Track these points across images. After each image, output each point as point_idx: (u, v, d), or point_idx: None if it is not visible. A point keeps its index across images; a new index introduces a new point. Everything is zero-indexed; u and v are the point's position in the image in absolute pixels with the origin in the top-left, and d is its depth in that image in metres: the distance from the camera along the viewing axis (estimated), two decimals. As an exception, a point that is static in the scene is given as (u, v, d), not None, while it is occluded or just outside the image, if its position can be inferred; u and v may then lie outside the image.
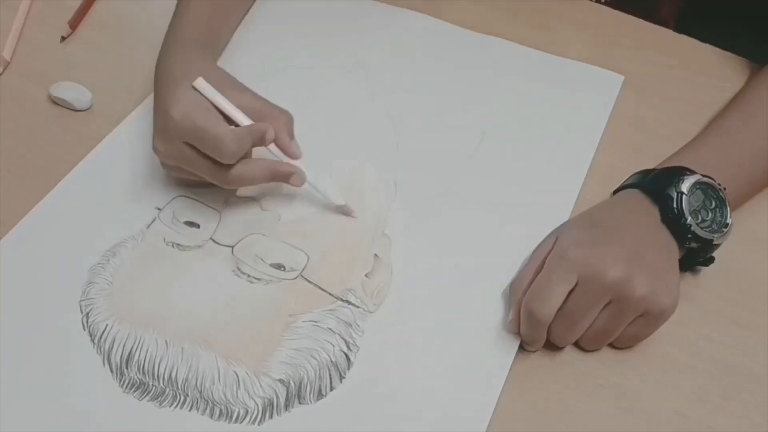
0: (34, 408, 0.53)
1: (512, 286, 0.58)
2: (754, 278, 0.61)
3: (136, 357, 0.55)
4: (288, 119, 0.61)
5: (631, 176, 0.62)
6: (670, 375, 0.56)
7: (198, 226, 0.62)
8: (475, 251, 0.61)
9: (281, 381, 0.54)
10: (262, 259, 0.60)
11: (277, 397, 0.54)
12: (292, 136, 0.61)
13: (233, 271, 0.59)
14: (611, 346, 0.56)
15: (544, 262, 0.56)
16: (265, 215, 0.63)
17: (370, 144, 0.68)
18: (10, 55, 0.75)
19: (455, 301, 0.58)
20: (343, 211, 0.63)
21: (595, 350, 0.56)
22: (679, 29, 0.78)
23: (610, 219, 0.58)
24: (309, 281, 0.59)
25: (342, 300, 0.58)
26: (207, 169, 0.58)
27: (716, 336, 0.58)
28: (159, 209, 0.63)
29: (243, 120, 0.59)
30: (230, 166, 0.58)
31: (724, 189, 0.58)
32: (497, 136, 0.68)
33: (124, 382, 0.54)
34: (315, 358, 0.55)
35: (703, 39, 0.77)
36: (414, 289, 0.59)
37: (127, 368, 0.54)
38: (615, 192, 0.62)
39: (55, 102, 0.71)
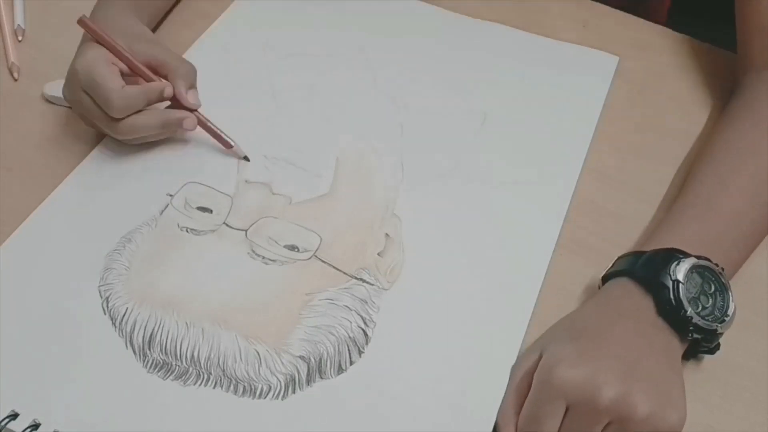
0: (60, 391, 0.54)
1: (499, 415, 0.52)
2: (754, 278, 0.60)
3: (157, 338, 0.55)
4: (188, 70, 0.65)
5: (618, 259, 0.57)
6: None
7: (210, 211, 0.63)
8: (481, 228, 0.63)
9: (302, 357, 0.55)
10: (275, 242, 0.61)
11: (298, 372, 0.54)
12: (191, 87, 0.65)
13: (248, 253, 0.60)
14: None
15: (528, 383, 0.51)
16: (276, 198, 0.64)
17: (374, 127, 0.69)
18: (17, 59, 0.75)
19: (465, 276, 0.60)
20: (236, 153, 0.66)
21: None
22: (676, 28, 0.79)
23: (598, 325, 0.52)
24: (323, 261, 0.60)
25: (356, 278, 0.59)
26: (101, 120, 0.62)
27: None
28: (171, 195, 0.64)
29: (136, 64, 0.63)
30: (121, 118, 0.62)
31: (723, 270, 0.53)
32: (498, 117, 0.70)
33: (147, 363, 0.55)
34: (333, 335, 0.56)
35: (701, 39, 0.77)
36: (426, 266, 0.60)
37: (149, 349, 0.55)
38: (604, 278, 0.57)
39: (49, 101, 0.71)
